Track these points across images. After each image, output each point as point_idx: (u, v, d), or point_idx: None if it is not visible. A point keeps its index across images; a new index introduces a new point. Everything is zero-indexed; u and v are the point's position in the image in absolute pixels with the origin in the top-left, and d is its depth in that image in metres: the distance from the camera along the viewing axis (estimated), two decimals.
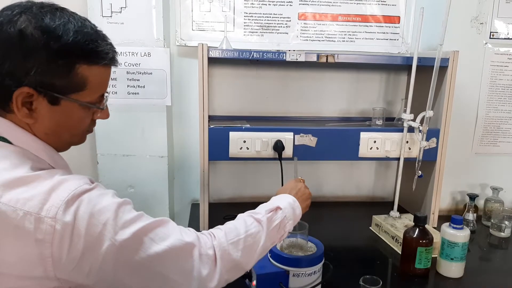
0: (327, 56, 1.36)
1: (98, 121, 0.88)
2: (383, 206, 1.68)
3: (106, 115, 0.86)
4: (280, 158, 1.37)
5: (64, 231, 0.64)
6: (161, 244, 0.71)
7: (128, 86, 1.48)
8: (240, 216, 0.88)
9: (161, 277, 0.72)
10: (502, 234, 1.49)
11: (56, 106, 0.74)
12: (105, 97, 0.83)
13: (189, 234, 0.77)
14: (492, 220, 1.52)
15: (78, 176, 0.71)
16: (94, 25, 0.77)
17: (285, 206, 0.92)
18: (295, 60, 1.34)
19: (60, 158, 0.83)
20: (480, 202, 1.65)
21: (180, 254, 0.73)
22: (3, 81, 0.70)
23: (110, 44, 0.80)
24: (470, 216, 1.53)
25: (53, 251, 0.64)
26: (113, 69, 0.83)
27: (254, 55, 1.33)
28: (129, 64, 1.46)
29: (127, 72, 1.47)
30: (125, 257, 0.68)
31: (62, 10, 0.75)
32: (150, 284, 0.72)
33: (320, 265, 1.05)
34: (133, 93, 1.48)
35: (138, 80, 1.48)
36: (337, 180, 1.78)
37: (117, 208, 0.69)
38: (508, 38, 1.61)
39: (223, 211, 1.42)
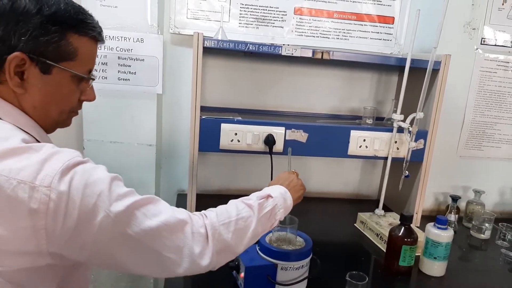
0: (322, 53, 1.36)
1: (85, 105, 0.89)
2: (367, 203, 1.70)
3: (93, 96, 0.87)
4: (270, 152, 1.37)
5: (59, 200, 0.63)
6: (153, 219, 0.71)
7: (119, 71, 1.45)
8: (231, 201, 0.89)
9: (154, 253, 0.72)
10: (482, 236, 1.53)
11: (47, 76, 0.75)
12: (92, 75, 0.85)
13: (181, 212, 0.78)
14: (473, 222, 1.56)
15: (70, 149, 0.70)
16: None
17: (276, 195, 0.93)
18: (290, 54, 1.34)
19: (47, 137, 0.82)
20: (462, 204, 1.69)
21: (172, 230, 0.74)
22: None
23: (97, 21, 0.83)
24: (452, 217, 1.56)
25: (47, 222, 0.63)
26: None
27: (250, 47, 1.32)
28: (121, 49, 1.43)
29: (119, 58, 1.44)
30: (119, 229, 0.68)
31: None
32: (142, 260, 0.72)
33: (308, 259, 1.06)
34: (123, 79, 1.46)
35: (130, 66, 1.45)
36: (324, 176, 1.79)
37: (111, 181, 0.69)
38: (498, 45, 1.64)
39: (209, 203, 1.40)
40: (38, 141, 0.76)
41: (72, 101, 0.83)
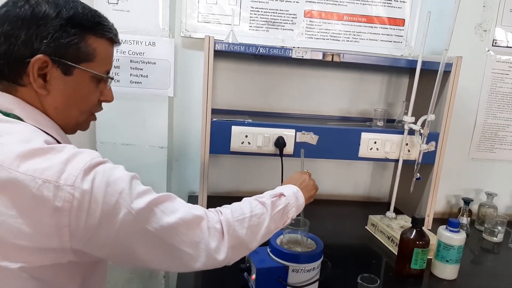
0: (332, 55, 1.36)
1: None
2: (378, 206, 1.69)
3: (111, 96, 0.90)
4: (281, 155, 1.38)
5: (82, 199, 0.65)
6: (171, 216, 0.74)
7: (131, 75, 1.47)
8: (245, 199, 0.91)
9: (172, 248, 0.74)
10: (495, 239, 1.51)
11: (69, 77, 0.78)
12: (110, 75, 0.87)
13: (197, 208, 0.80)
14: (485, 225, 1.55)
15: (91, 150, 0.72)
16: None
17: (289, 194, 0.94)
18: (300, 57, 1.34)
19: (67, 138, 0.84)
20: (474, 207, 1.67)
21: (189, 226, 0.76)
22: (19, 51, 0.73)
23: (112, 24, 0.86)
24: (464, 220, 1.55)
25: (71, 220, 0.65)
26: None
27: (260, 50, 1.32)
28: (133, 53, 1.45)
29: (131, 61, 1.46)
30: (140, 226, 0.70)
31: None
32: (161, 255, 0.74)
33: (319, 261, 1.06)
34: (135, 82, 1.47)
35: (142, 69, 1.47)
36: (334, 178, 1.79)
37: (131, 180, 0.71)
38: (510, 47, 1.63)
39: (220, 204, 1.41)
40: (59, 142, 0.78)
41: (91, 102, 0.85)
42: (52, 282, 0.70)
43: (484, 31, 1.61)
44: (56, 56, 0.75)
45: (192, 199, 1.63)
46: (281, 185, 1.02)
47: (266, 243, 0.95)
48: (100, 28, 0.81)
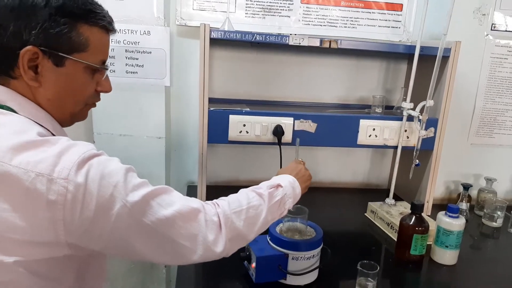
0: (330, 42, 1.35)
1: None
2: (377, 193, 1.69)
3: (108, 86, 0.88)
4: (279, 143, 1.37)
5: (76, 192, 0.64)
6: (168, 209, 0.73)
7: (126, 64, 1.45)
8: (242, 190, 0.90)
9: (169, 241, 0.74)
10: (494, 224, 1.51)
11: (61, 68, 0.76)
12: (105, 65, 0.85)
13: (194, 201, 0.79)
14: (484, 210, 1.55)
15: (85, 142, 0.71)
16: None
17: (286, 185, 0.94)
18: (298, 44, 1.33)
19: (61, 130, 0.83)
20: (474, 192, 1.67)
21: (186, 219, 0.75)
22: (9, 42, 0.72)
23: (106, 11, 0.83)
24: (464, 205, 1.55)
25: (65, 213, 0.64)
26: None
27: (257, 38, 1.31)
28: (128, 42, 1.43)
29: (126, 51, 1.44)
30: (136, 219, 0.70)
31: None
32: (158, 248, 0.74)
33: (318, 249, 1.06)
34: (131, 72, 1.46)
35: (137, 59, 1.45)
36: (333, 166, 1.78)
37: (126, 172, 0.70)
38: (509, 31, 1.62)
39: (219, 194, 1.40)
40: (53, 135, 0.77)
41: (87, 92, 0.83)
42: (48, 276, 0.69)
43: (483, 15, 1.59)
44: (46, 47, 0.73)
45: (191, 189, 1.62)
46: (276, 175, 1.01)
47: (266, 232, 0.95)
48: (92, 16, 0.78)
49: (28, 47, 0.71)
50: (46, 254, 0.67)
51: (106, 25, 0.81)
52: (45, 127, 0.76)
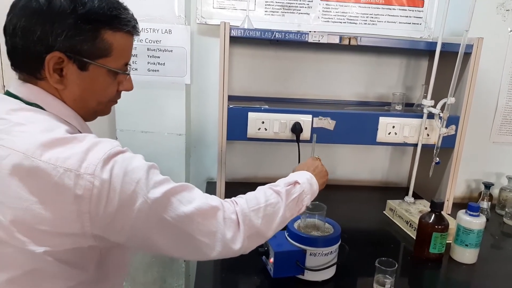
0: (349, 39, 1.35)
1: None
2: (396, 191, 1.68)
3: (130, 86, 0.90)
4: (298, 140, 1.38)
5: (101, 187, 0.67)
6: (188, 206, 0.75)
7: (148, 63, 1.48)
8: (260, 187, 0.91)
9: (188, 237, 0.76)
10: None
11: (85, 72, 0.79)
12: (128, 67, 0.87)
13: (213, 199, 0.81)
14: (506, 209, 1.52)
15: (110, 139, 0.74)
16: None
17: (303, 181, 0.94)
18: (317, 41, 1.33)
19: (87, 127, 0.86)
20: (495, 191, 1.65)
21: (205, 216, 0.77)
22: (35, 47, 0.74)
23: (132, 14, 0.84)
24: (485, 204, 1.53)
25: (91, 207, 0.67)
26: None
27: (276, 35, 1.32)
28: (150, 41, 1.46)
29: (148, 49, 1.47)
30: (156, 214, 0.72)
31: None
32: (178, 243, 0.76)
33: (336, 245, 1.07)
34: (153, 70, 1.49)
35: (159, 57, 1.48)
36: (352, 163, 1.78)
37: (148, 169, 0.73)
38: None
39: (237, 190, 1.43)
40: (80, 132, 0.80)
41: (109, 93, 0.86)
42: (74, 264, 0.73)
43: (507, 10, 1.56)
44: (71, 52, 0.75)
45: (210, 185, 1.65)
46: (293, 171, 1.02)
47: (284, 228, 0.96)
48: (117, 22, 0.79)
49: (54, 53, 0.74)
50: (73, 244, 0.70)
51: (130, 29, 0.82)
52: (71, 124, 0.79)
